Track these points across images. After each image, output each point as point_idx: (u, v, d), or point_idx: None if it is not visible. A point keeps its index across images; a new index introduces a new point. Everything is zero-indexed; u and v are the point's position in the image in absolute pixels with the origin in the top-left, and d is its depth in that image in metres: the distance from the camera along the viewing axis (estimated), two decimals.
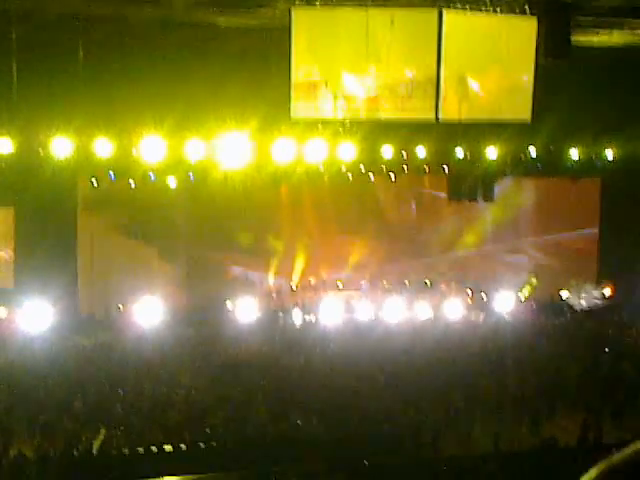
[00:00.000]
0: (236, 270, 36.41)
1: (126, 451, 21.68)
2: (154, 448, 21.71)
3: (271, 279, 36.74)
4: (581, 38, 23.14)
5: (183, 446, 21.87)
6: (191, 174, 29.13)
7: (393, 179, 33.28)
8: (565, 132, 30.75)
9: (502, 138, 29.76)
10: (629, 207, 34.85)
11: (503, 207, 37.61)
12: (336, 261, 37.16)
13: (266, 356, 29.14)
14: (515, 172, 33.35)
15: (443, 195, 36.81)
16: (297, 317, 33.74)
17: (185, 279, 34.90)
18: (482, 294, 36.17)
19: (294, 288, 36.51)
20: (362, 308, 34.18)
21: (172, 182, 30.34)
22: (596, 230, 38.78)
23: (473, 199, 34.36)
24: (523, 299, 36.71)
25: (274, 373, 27.03)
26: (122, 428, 22.66)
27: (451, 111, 20.37)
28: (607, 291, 36.80)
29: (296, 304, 34.53)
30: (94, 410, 23.63)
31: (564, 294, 36.48)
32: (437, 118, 20.18)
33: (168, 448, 21.74)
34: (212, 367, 27.64)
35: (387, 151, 29.27)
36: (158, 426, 22.81)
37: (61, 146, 24.91)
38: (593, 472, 3.53)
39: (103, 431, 22.31)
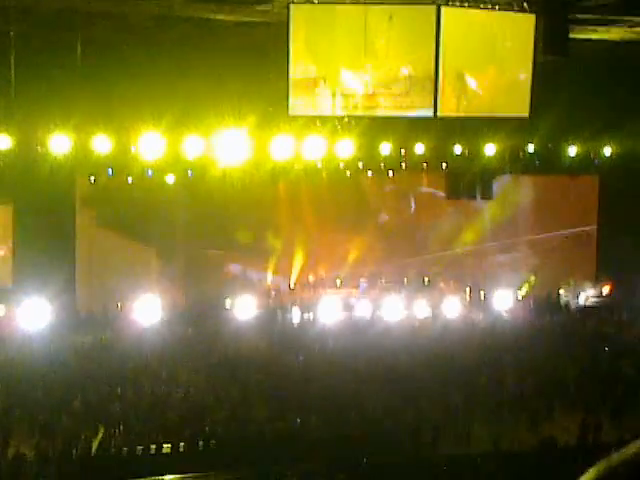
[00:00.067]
0: (234, 268, 36.37)
1: (125, 450, 21.64)
2: (153, 447, 21.69)
3: (269, 277, 36.70)
4: (579, 35, 23.09)
5: (182, 445, 21.85)
6: (189, 171, 29.10)
7: (391, 176, 33.26)
8: (563, 129, 30.71)
9: (500, 135, 29.73)
10: (627, 205, 34.79)
11: (501, 205, 37.60)
12: (334, 259, 37.11)
13: (265, 354, 29.10)
14: (513, 169, 33.32)
15: (441, 192, 36.78)
16: (296, 315, 33.68)
17: (183, 277, 34.86)
18: (480, 292, 36.13)
19: (292, 286, 36.48)
20: (361, 306, 34.14)
21: (170, 179, 30.32)
22: (594, 228, 38.76)
23: (471, 197, 34.34)
24: (521, 297, 36.67)
25: (273, 371, 26.98)
26: (121, 427, 22.63)
27: (449, 107, 20.31)
28: (606, 289, 36.78)
29: (294, 302, 34.47)
30: (93, 409, 23.59)
31: (562, 292, 36.44)
32: (435, 114, 20.10)
33: (167, 447, 21.72)
34: (211, 366, 27.60)
35: (385, 148, 29.23)
36: (157, 425, 22.77)
37: (59, 143, 24.85)
38: (592, 472, 3.48)
39: (102, 430, 22.29)
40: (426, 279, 37.28)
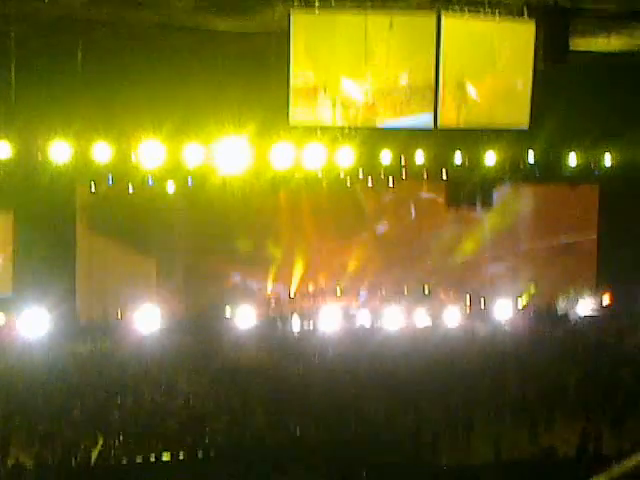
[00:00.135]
0: (234, 277, 36.31)
1: (124, 460, 21.61)
2: (152, 457, 21.65)
3: (269, 286, 36.65)
4: (580, 44, 23.11)
5: (182, 454, 21.81)
6: (189, 179, 29.08)
7: (391, 185, 33.23)
8: (563, 138, 30.71)
9: (501, 144, 29.70)
10: (628, 214, 34.78)
11: (502, 214, 37.55)
12: (334, 268, 37.05)
13: (265, 364, 29.06)
14: (514, 178, 33.28)
15: (442, 201, 36.74)
16: (296, 325, 33.64)
17: (183, 285, 34.77)
18: (481, 302, 36.09)
19: (292, 295, 36.43)
20: (361, 316, 34.11)
21: (170, 187, 30.29)
22: (595, 237, 38.72)
23: (472, 206, 34.29)
24: (521, 307, 36.63)
25: (273, 381, 26.94)
26: (120, 437, 22.57)
27: (450, 117, 20.32)
28: (606, 299, 36.75)
29: (294, 311, 34.43)
30: (92, 418, 23.53)
31: (561, 302, 36.40)
32: (436, 125, 20.11)
33: (167, 456, 21.67)
34: (210, 375, 27.56)
35: (385, 157, 29.21)
36: (156, 435, 22.71)
37: (60, 151, 24.81)
38: None
39: (101, 439, 22.25)
40: (426, 289, 37.26)
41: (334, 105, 19.50)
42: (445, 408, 24.82)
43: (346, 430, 23.27)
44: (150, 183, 28.57)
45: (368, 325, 33.58)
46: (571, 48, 20.12)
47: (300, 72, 19.19)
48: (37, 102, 24.25)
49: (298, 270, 36.67)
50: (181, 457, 21.73)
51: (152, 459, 21.61)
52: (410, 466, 21.81)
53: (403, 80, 19.37)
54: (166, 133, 24.95)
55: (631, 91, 29.07)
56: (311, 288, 36.49)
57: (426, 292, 37.03)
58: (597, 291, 37.09)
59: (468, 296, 36.25)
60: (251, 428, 23.37)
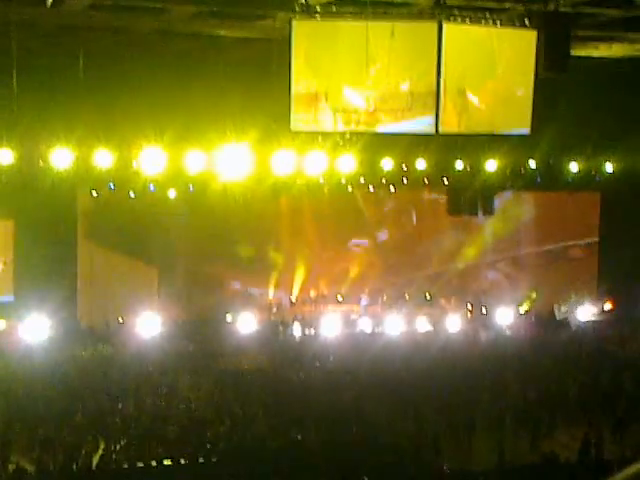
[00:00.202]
0: (236, 283, 36.37)
1: (125, 465, 21.60)
2: (154, 462, 21.64)
3: (271, 292, 36.70)
4: (581, 51, 23.13)
5: (183, 459, 21.80)
6: (191, 186, 29.13)
7: (392, 192, 33.33)
8: (565, 145, 30.78)
9: (502, 151, 29.77)
10: (629, 221, 34.82)
11: (503, 221, 37.60)
12: (336, 274, 37.14)
13: (266, 369, 29.09)
14: (515, 185, 33.31)
15: (443, 208, 36.77)
16: (297, 330, 33.67)
17: (184, 291, 34.82)
18: (482, 308, 36.12)
19: (294, 301, 36.48)
20: (362, 322, 34.15)
21: (172, 194, 30.34)
22: (596, 244, 38.79)
23: (473, 213, 34.34)
24: (523, 313, 36.66)
25: (274, 386, 26.97)
26: (122, 441, 22.58)
27: (451, 124, 20.31)
28: (607, 306, 36.79)
29: (296, 317, 34.47)
30: (94, 423, 23.54)
31: (562, 308, 36.43)
32: (437, 131, 20.10)
33: (167, 461, 21.67)
34: (212, 381, 27.57)
35: (387, 163, 29.27)
36: (158, 439, 22.72)
37: (61, 157, 24.87)
38: None
39: (102, 444, 22.25)
40: (427, 295, 37.30)
41: (335, 113, 19.48)
42: (446, 413, 24.82)
43: (347, 434, 23.27)
44: (151, 189, 28.65)
45: (369, 330, 33.60)
46: (572, 56, 20.13)
47: (301, 79, 19.15)
48: (38, 108, 24.28)
49: (299, 276, 36.74)
50: (182, 462, 21.72)
51: (153, 464, 21.60)
52: (411, 470, 21.81)
53: (404, 87, 19.36)
54: (167, 139, 24.98)
55: (632, 97, 29.11)
56: (312, 294, 36.55)
57: (427, 298, 37.09)
58: (598, 297, 37.13)
59: (469, 302, 36.29)
60: (252, 432, 23.38)
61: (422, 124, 20.10)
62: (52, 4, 19.02)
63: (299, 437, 23.23)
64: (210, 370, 28.57)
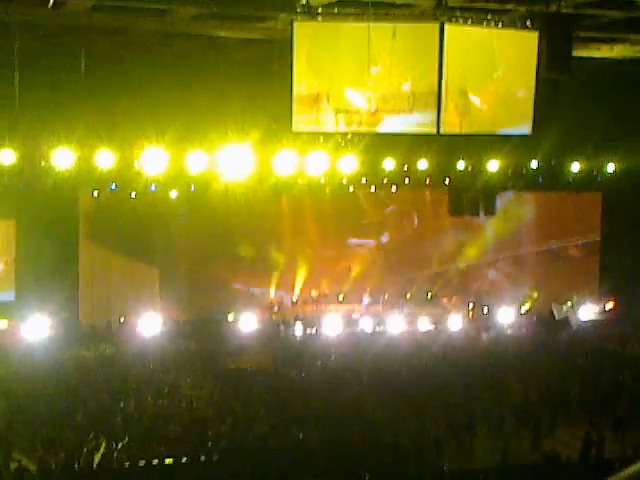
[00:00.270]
0: (237, 282, 36.39)
1: (127, 464, 21.62)
2: (155, 460, 21.68)
3: (272, 292, 36.74)
4: (583, 52, 23.15)
5: (184, 458, 21.84)
6: (192, 186, 29.16)
7: (394, 192, 33.35)
8: (566, 145, 30.77)
9: (503, 151, 29.76)
10: (630, 221, 34.85)
11: (504, 221, 37.61)
12: (337, 274, 37.17)
13: (267, 368, 29.14)
14: (516, 185, 33.32)
15: (444, 208, 36.79)
16: (298, 330, 33.72)
17: (186, 290, 34.84)
18: (483, 307, 36.16)
19: (295, 301, 36.52)
20: (363, 321, 34.20)
21: (173, 194, 30.38)
22: (597, 244, 38.82)
23: (475, 213, 34.38)
24: (524, 313, 36.69)
25: (275, 385, 27.02)
26: (123, 441, 22.61)
27: (452, 125, 20.31)
28: (609, 305, 36.83)
29: (297, 317, 34.52)
30: (95, 422, 23.58)
31: (563, 308, 36.47)
32: (438, 132, 20.11)
33: (169, 460, 21.70)
34: (213, 380, 27.63)
35: (388, 164, 29.28)
36: (159, 438, 22.76)
37: (63, 157, 24.87)
38: None
39: (104, 444, 22.28)
40: (429, 294, 37.35)
41: (337, 113, 19.49)
42: (447, 412, 24.86)
43: (348, 433, 23.30)
44: (153, 190, 28.67)
45: (370, 330, 33.64)
46: (574, 57, 20.15)
47: (303, 80, 19.16)
48: (40, 109, 24.30)
49: (301, 275, 36.78)
50: (184, 460, 21.76)
51: (155, 462, 21.63)
52: (412, 469, 21.86)
53: (405, 89, 19.36)
54: (169, 140, 24.96)
55: (634, 98, 29.11)
56: (314, 293, 36.59)
57: (429, 297, 37.13)
58: (600, 297, 37.16)
59: (470, 302, 36.33)
60: (253, 431, 23.42)
61: (424, 125, 20.13)
62: (54, 5, 19.06)
63: (300, 436, 23.27)
64: (211, 369, 28.63)
